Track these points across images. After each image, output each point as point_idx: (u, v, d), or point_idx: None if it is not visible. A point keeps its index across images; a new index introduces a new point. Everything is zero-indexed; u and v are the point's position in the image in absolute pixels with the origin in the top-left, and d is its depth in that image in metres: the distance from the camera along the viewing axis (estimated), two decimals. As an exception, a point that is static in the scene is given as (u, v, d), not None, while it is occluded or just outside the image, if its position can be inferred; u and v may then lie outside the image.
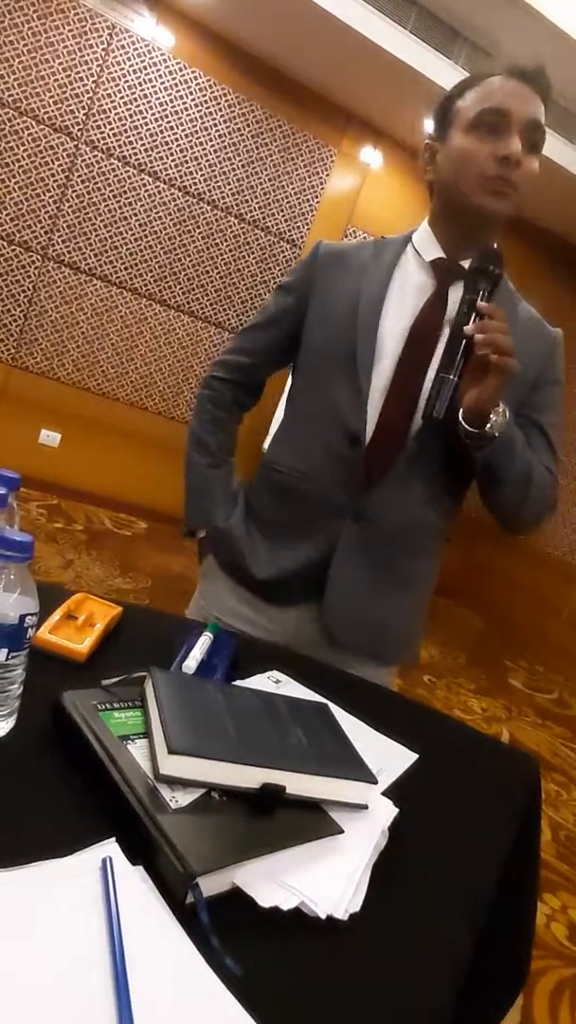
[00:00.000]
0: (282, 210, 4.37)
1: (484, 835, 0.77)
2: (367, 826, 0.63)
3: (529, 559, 4.98)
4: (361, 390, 1.07)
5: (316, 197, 4.41)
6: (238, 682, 0.84)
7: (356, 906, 0.55)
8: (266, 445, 1.34)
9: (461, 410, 0.97)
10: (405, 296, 1.09)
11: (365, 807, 0.65)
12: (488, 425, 0.96)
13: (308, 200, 4.40)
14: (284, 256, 4.45)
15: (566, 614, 4.62)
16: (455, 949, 0.58)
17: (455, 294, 1.06)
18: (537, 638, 4.66)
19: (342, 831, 0.60)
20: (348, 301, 1.10)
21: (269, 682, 0.89)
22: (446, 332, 1.06)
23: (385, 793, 0.70)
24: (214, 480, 1.23)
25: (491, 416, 0.96)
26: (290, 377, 1.22)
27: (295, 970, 0.49)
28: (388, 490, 1.08)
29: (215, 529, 1.20)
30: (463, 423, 0.97)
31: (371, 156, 4.43)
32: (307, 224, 4.43)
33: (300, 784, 0.61)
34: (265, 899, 0.51)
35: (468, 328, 0.93)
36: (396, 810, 0.67)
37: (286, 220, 4.40)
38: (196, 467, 1.23)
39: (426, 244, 1.11)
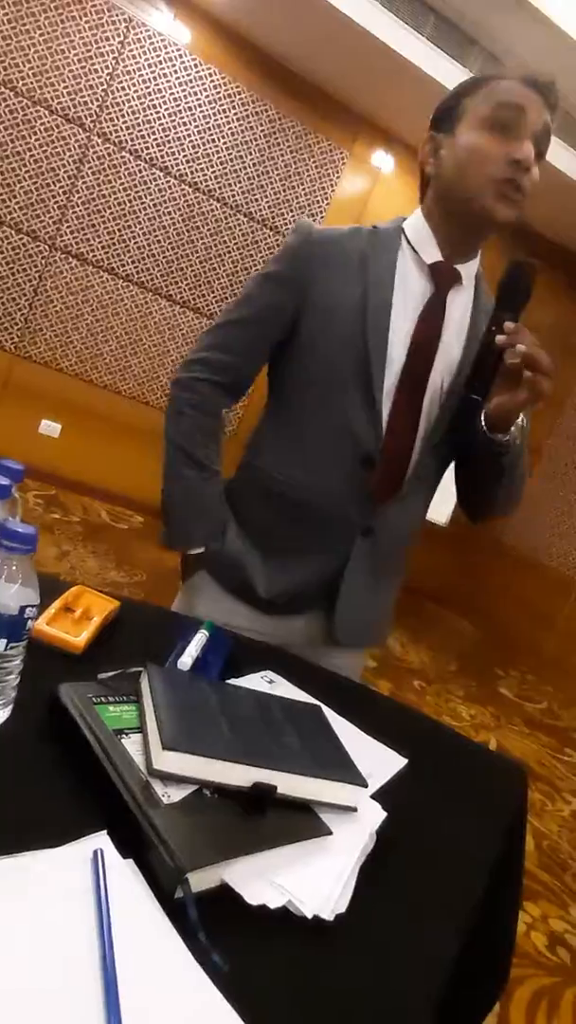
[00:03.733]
0: (292, 211, 4.38)
1: (470, 841, 0.77)
2: (355, 828, 0.64)
3: (524, 569, 5.00)
4: (375, 406, 1.03)
5: (326, 199, 4.42)
6: (232, 681, 0.85)
7: (342, 907, 0.55)
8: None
9: (483, 417, 0.96)
10: (406, 301, 1.04)
11: (354, 809, 0.65)
12: (508, 437, 0.96)
13: (318, 202, 4.41)
14: (292, 256, 4.45)
15: (559, 625, 4.64)
16: (438, 953, 0.59)
17: (454, 299, 1.05)
18: (529, 647, 4.67)
19: (331, 832, 0.61)
20: (352, 302, 1.03)
21: (263, 682, 0.89)
22: (445, 341, 1.05)
23: (374, 796, 0.71)
24: (209, 497, 1.12)
25: (512, 428, 0.96)
26: (276, 374, 1.12)
27: (280, 968, 0.49)
28: (394, 504, 1.09)
29: (209, 547, 1.12)
30: (485, 430, 0.97)
31: (382, 160, 4.44)
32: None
33: (291, 784, 0.62)
34: (253, 897, 0.51)
35: (500, 339, 0.90)
36: (384, 813, 0.68)
37: (295, 221, 4.40)
38: (185, 481, 1.10)
39: (424, 243, 1.05)
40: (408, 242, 1.06)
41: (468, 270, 1.07)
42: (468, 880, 0.71)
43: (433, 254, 1.05)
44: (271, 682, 0.90)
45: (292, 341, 1.07)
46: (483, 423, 0.97)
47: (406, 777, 0.80)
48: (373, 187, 4.49)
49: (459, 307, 1.07)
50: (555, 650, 4.58)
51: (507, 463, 1.02)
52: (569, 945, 1.98)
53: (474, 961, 0.79)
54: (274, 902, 0.52)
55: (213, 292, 4.36)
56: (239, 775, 0.59)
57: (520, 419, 0.97)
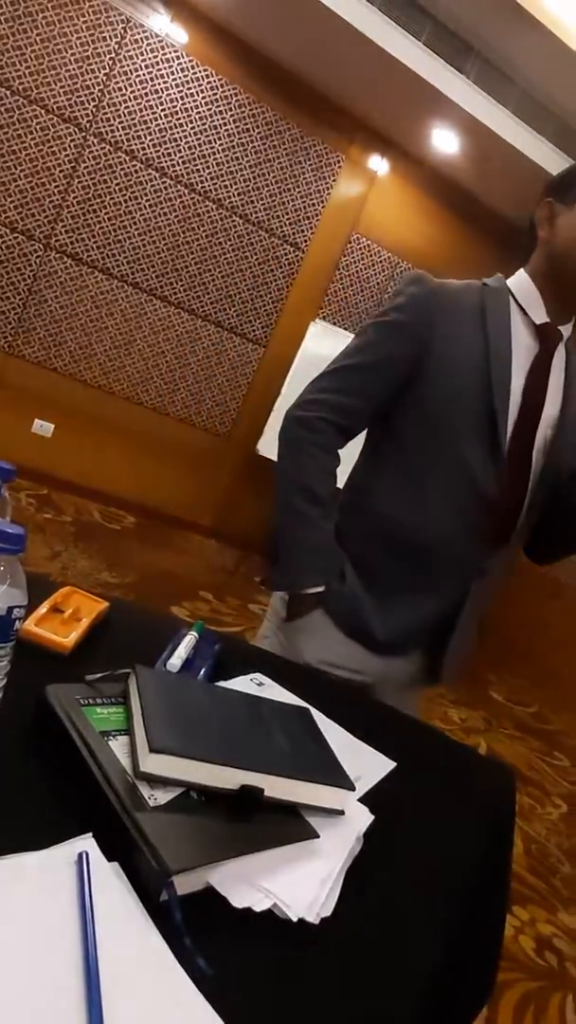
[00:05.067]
0: (287, 213, 4.38)
1: (458, 844, 0.77)
2: (342, 831, 0.64)
3: (517, 574, 5.00)
4: (500, 454, 1.07)
5: (322, 202, 4.42)
6: (221, 683, 0.84)
7: (328, 910, 0.55)
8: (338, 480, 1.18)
9: None
10: (518, 357, 1.08)
11: (341, 813, 0.65)
12: None
13: (314, 204, 4.42)
14: (287, 259, 4.46)
15: (551, 628, 4.65)
16: (425, 956, 0.59)
17: (555, 358, 1.11)
18: (521, 652, 4.68)
19: (318, 836, 0.61)
20: (474, 353, 1.06)
21: (252, 684, 0.89)
22: (547, 396, 1.10)
23: (362, 799, 0.71)
24: (329, 535, 1.12)
25: None
26: (391, 418, 1.13)
27: (265, 971, 0.49)
28: (505, 548, 1.15)
29: (330, 586, 1.12)
30: None
31: (378, 164, 4.45)
32: (311, 228, 4.45)
33: (279, 787, 0.61)
34: (239, 900, 0.51)
35: None
36: (372, 817, 0.68)
37: (291, 223, 4.41)
38: (309, 520, 1.10)
39: (532, 303, 1.10)
40: (516, 301, 1.11)
41: (565, 332, 1.13)
42: (455, 883, 0.71)
43: (541, 315, 1.10)
44: (260, 684, 0.90)
45: (411, 387, 1.09)
46: None
47: (395, 780, 0.81)
48: (369, 190, 4.50)
49: (556, 366, 1.12)
50: (546, 654, 4.59)
51: None
52: (557, 949, 1.98)
53: (462, 964, 0.80)
54: (259, 905, 0.52)
55: (208, 294, 4.36)
56: (226, 777, 0.59)
57: None
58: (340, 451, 1.15)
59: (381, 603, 1.12)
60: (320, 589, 1.11)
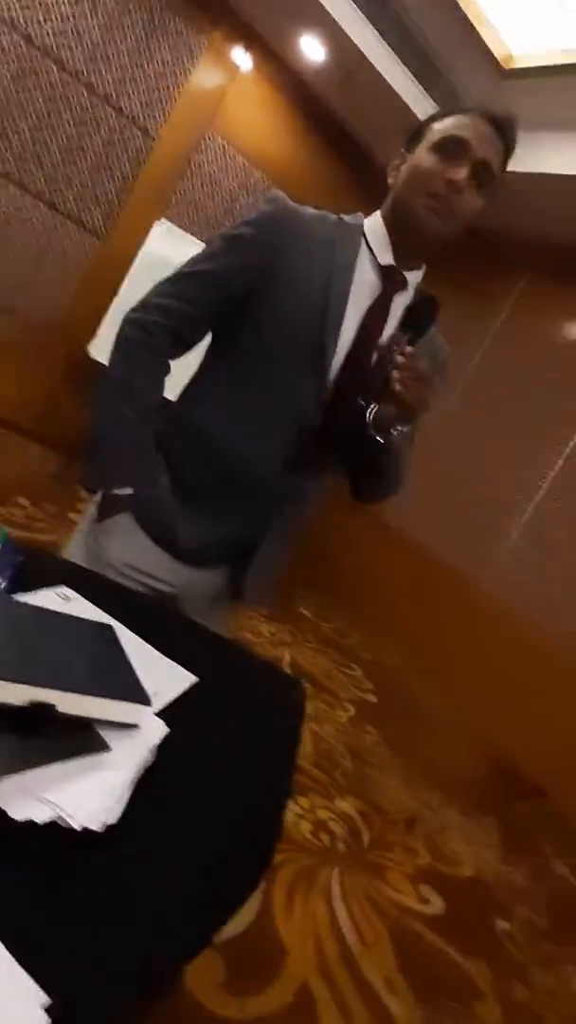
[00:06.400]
0: (138, 92, 4.01)
1: (245, 752, 0.83)
2: (135, 744, 0.66)
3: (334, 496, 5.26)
4: (324, 387, 1.09)
5: (177, 86, 4.09)
6: (23, 595, 0.82)
7: (113, 818, 0.57)
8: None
9: (372, 420, 1.08)
10: (359, 294, 1.11)
11: (136, 726, 0.68)
12: (388, 438, 1.09)
13: (168, 87, 4.08)
14: (134, 144, 4.11)
15: (357, 550, 4.99)
16: (205, 850, 0.64)
17: (397, 301, 1.14)
18: (328, 570, 4.99)
19: (109, 748, 0.63)
20: (316, 283, 1.08)
21: (57, 598, 0.88)
22: (384, 337, 1.12)
23: (160, 713, 0.74)
24: (147, 439, 1.12)
25: (392, 432, 1.08)
26: (225, 334, 1.14)
27: (47, 882, 0.51)
28: (316, 476, 1.18)
29: (138, 489, 1.12)
30: (370, 429, 1.09)
31: (242, 59, 4.19)
32: (163, 114, 4.12)
33: (72, 703, 0.62)
34: (19, 812, 0.52)
35: (395, 377, 1.03)
36: (167, 730, 0.71)
37: (141, 104, 4.04)
38: (127, 421, 1.10)
39: (381, 245, 1.13)
40: (366, 241, 1.13)
41: (412, 278, 1.16)
42: (239, 788, 0.77)
43: (387, 257, 1.13)
44: (66, 599, 0.89)
45: (249, 304, 1.10)
46: (371, 425, 1.09)
47: (193, 694, 0.84)
48: (229, 86, 4.24)
49: (398, 310, 1.15)
50: (354, 573, 4.95)
51: (383, 462, 1.16)
52: (331, 831, 2.24)
53: (240, 855, 0.88)
54: (40, 816, 0.53)
55: (42, 169, 3.92)
56: (15, 693, 0.59)
57: (400, 428, 1.09)
58: (173, 361, 1.15)
59: (189, 512, 1.15)
60: (128, 491, 1.12)
